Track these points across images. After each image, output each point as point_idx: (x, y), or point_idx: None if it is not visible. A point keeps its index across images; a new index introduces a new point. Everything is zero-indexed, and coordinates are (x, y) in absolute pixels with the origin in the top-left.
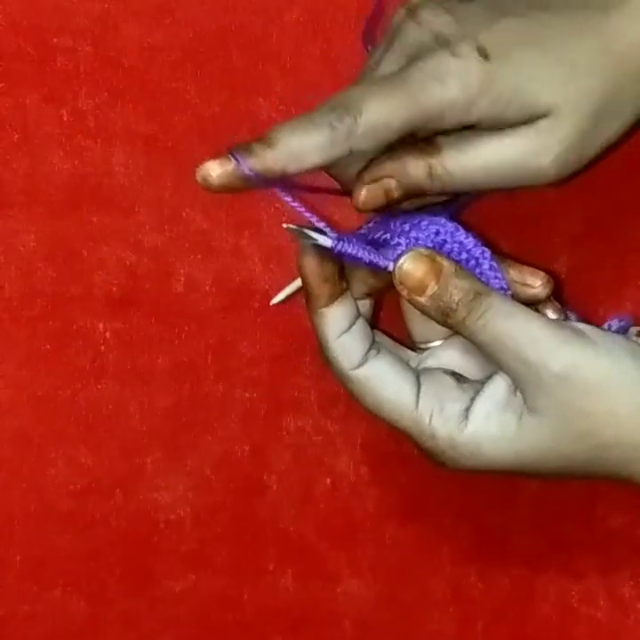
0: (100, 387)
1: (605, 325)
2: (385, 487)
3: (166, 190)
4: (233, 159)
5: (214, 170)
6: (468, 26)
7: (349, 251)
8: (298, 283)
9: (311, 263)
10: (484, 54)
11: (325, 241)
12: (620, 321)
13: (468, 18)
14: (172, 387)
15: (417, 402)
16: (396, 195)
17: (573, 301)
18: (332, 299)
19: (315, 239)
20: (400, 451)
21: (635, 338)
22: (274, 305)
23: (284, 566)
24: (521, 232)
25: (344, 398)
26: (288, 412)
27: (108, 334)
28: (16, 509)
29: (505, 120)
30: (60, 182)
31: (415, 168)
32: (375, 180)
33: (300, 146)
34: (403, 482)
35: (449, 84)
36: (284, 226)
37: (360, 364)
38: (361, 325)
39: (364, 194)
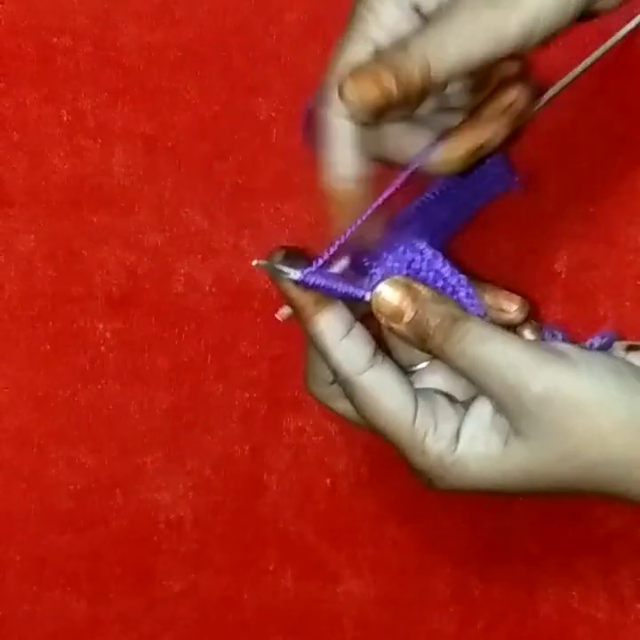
0: (99, 387)
1: (588, 342)
2: (385, 487)
3: (166, 190)
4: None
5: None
6: None
7: (322, 283)
8: None
9: (288, 280)
10: None
11: (295, 274)
12: (602, 338)
13: None
14: (172, 387)
15: (415, 417)
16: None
17: (573, 301)
18: (320, 305)
19: (286, 273)
20: None
21: (622, 353)
22: (282, 318)
23: (284, 566)
24: (521, 232)
25: None
26: (288, 411)
27: (108, 334)
28: (16, 509)
29: None
30: (60, 182)
31: None
32: None
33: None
34: (403, 482)
35: None
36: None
37: (365, 369)
38: (360, 330)
39: None
